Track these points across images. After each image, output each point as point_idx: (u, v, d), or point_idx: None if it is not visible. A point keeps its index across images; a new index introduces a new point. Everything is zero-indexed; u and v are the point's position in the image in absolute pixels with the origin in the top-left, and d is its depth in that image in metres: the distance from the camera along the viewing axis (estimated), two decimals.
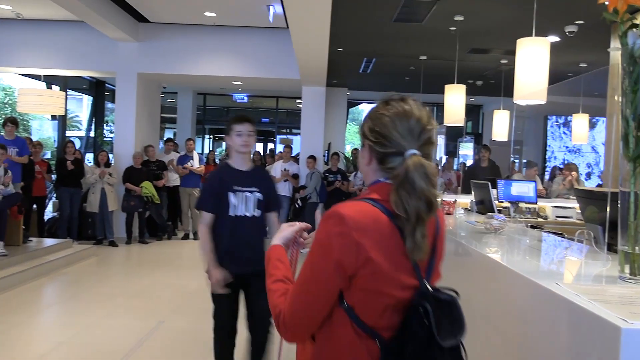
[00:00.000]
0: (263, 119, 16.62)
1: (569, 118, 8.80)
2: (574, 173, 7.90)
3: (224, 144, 16.12)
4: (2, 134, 7.54)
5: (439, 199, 1.28)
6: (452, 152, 15.09)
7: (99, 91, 12.49)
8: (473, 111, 14.92)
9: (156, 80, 10.16)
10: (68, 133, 14.05)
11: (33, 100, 8.27)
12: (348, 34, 7.88)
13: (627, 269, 1.65)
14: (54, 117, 12.87)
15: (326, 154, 12.12)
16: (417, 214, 1.23)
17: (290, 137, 16.28)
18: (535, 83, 4.23)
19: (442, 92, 6.99)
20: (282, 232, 1.53)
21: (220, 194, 2.95)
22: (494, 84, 10.82)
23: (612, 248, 2.22)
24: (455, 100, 6.84)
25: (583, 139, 8.56)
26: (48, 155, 13.06)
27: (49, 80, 10.96)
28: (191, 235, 9.74)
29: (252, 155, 9.51)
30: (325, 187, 9.01)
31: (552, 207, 6.22)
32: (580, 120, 8.29)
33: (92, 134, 12.84)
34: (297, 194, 9.33)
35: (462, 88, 6.86)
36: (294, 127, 16.01)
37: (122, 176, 8.80)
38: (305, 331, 1.31)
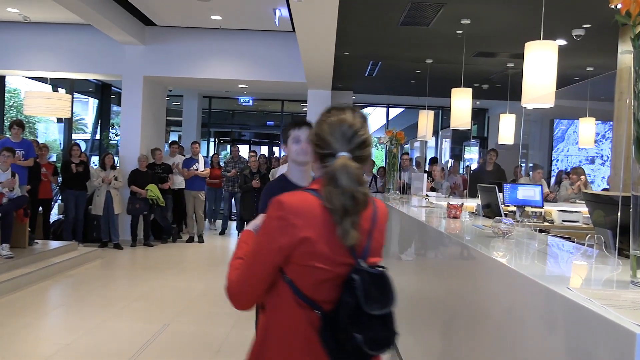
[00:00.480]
0: (268, 122, 16.64)
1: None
2: (582, 177, 7.87)
3: (228, 147, 16.13)
4: (8, 136, 7.57)
5: (364, 195, 1.46)
6: (457, 155, 15.05)
7: (105, 94, 12.53)
8: (479, 115, 14.89)
9: (162, 83, 10.19)
10: (74, 136, 14.10)
11: (39, 102, 8.30)
12: (354, 37, 7.87)
13: (639, 274, 1.63)
14: (59, 120, 12.90)
15: None
16: (342, 207, 1.42)
17: None
18: (544, 86, 4.22)
19: (448, 95, 6.98)
20: (256, 220, 1.74)
21: None
22: (500, 87, 10.80)
23: (622, 253, 2.20)
24: (461, 104, 6.82)
25: (590, 143, 8.52)
26: (54, 158, 13.10)
27: (55, 83, 11.00)
28: (196, 238, 9.75)
29: (257, 159, 9.56)
30: None
31: (558, 211, 6.19)
32: (587, 124, 8.26)
33: (97, 136, 12.87)
34: None
35: (468, 92, 6.84)
36: None
37: (127, 179, 8.82)
38: (247, 299, 1.54)
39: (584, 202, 6.16)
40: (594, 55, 8.15)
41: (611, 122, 6.30)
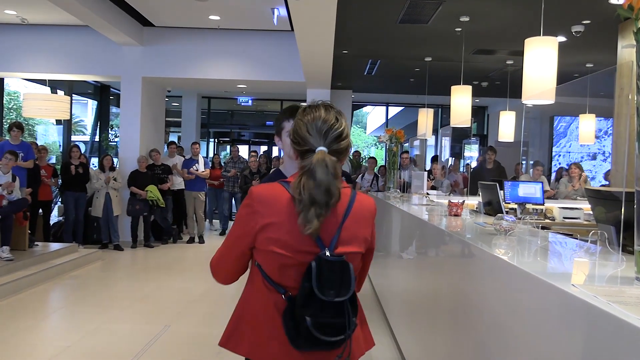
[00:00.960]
0: (268, 122, 16.61)
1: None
2: (583, 174, 7.87)
3: (228, 147, 16.11)
4: (7, 138, 7.56)
5: (338, 189, 1.53)
6: (457, 153, 15.04)
7: (104, 95, 12.51)
8: (478, 113, 14.88)
9: (161, 84, 10.17)
10: (73, 137, 14.11)
11: (38, 105, 8.29)
12: (353, 36, 7.86)
13: None
14: (59, 122, 12.89)
15: None
16: (311, 197, 1.50)
17: None
18: (544, 83, 4.20)
19: (448, 93, 6.97)
20: None
21: None
22: (500, 85, 10.79)
23: (626, 249, 2.19)
24: (461, 102, 6.81)
25: (590, 140, 8.51)
26: (53, 160, 13.09)
27: (54, 85, 10.98)
28: (196, 239, 9.74)
29: (258, 158, 9.54)
30: None
31: (560, 208, 6.18)
32: (587, 121, 8.24)
33: (97, 138, 12.86)
34: None
35: (468, 89, 6.83)
36: None
37: (127, 180, 8.81)
38: (225, 276, 1.76)
39: (584, 198, 6.15)
40: (594, 51, 8.14)
41: (612, 119, 6.28)
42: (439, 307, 3.10)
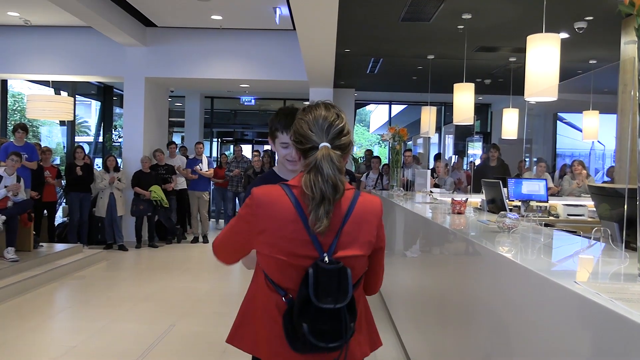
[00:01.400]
0: None
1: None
2: (584, 171, 7.85)
3: (231, 147, 16.13)
4: (12, 140, 7.58)
5: (343, 184, 1.55)
6: (461, 151, 15.01)
7: (107, 96, 12.54)
8: (481, 110, 14.84)
9: (164, 84, 10.19)
10: (77, 138, 14.11)
11: (42, 106, 8.31)
12: (355, 35, 7.86)
13: None
14: (62, 123, 12.92)
15: None
16: (321, 193, 1.51)
17: None
18: (547, 80, 4.19)
19: (451, 91, 6.95)
20: None
21: None
22: (503, 82, 10.76)
23: (629, 246, 2.18)
24: (464, 99, 6.80)
25: (593, 136, 8.48)
26: (57, 161, 13.12)
27: (58, 86, 11.01)
28: (200, 239, 9.76)
29: (261, 157, 9.55)
30: None
31: (564, 205, 6.16)
32: (590, 118, 8.22)
33: (100, 139, 12.89)
34: None
35: (470, 87, 6.81)
36: None
37: (130, 180, 8.83)
38: (225, 259, 1.77)
39: (588, 195, 6.14)
40: (597, 47, 8.11)
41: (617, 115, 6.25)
42: (442, 306, 3.10)
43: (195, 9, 7.94)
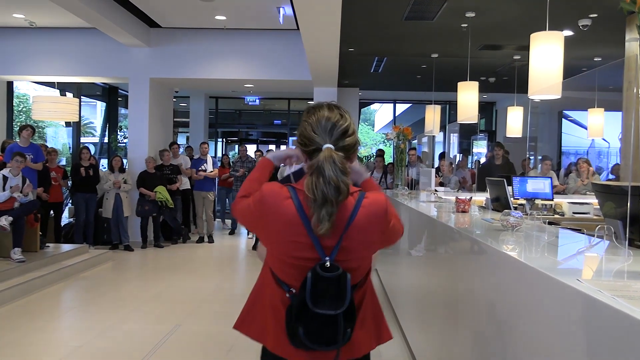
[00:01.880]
0: (275, 121, 16.63)
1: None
2: (590, 169, 7.83)
3: (236, 146, 16.16)
4: (17, 141, 7.62)
5: (347, 186, 1.53)
6: (465, 149, 14.98)
7: (112, 97, 12.58)
8: (486, 108, 14.81)
9: (168, 84, 10.22)
10: (83, 139, 14.19)
11: (47, 107, 8.35)
12: (358, 34, 7.85)
13: None
14: (68, 124, 12.98)
15: None
16: (323, 195, 1.50)
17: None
18: (550, 78, 4.18)
19: (455, 89, 6.94)
20: (277, 152, 1.87)
21: None
22: (507, 80, 10.73)
23: (633, 243, 2.18)
24: (468, 98, 6.78)
25: (599, 134, 8.45)
26: (63, 162, 13.19)
27: (63, 88, 11.06)
28: (206, 239, 9.78)
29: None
30: None
31: (569, 203, 6.14)
32: (595, 115, 8.19)
33: (106, 139, 12.94)
34: None
35: (474, 85, 6.80)
36: None
37: (136, 181, 8.86)
38: (241, 223, 1.81)
39: (593, 193, 6.11)
40: (601, 45, 8.08)
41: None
42: (446, 304, 3.10)
43: (199, 9, 7.96)
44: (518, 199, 5.62)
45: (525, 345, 1.88)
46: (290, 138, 15.61)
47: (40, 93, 11.14)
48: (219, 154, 15.43)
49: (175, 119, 11.52)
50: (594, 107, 8.14)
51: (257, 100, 14.83)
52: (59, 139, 16.74)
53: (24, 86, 14.77)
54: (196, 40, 9.26)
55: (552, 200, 5.88)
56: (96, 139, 15.15)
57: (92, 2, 6.89)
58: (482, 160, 12.69)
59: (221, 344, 4.45)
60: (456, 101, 6.99)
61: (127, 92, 9.74)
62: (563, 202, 6.28)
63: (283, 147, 15.99)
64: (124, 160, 9.48)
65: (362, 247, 1.61)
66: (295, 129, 16.42)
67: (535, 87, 4.29)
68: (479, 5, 6.39)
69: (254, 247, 9.01)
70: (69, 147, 13.61)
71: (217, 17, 8.40)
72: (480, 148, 14.80)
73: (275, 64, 9.30)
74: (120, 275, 7.27)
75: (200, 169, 9.75)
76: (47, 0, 6.53)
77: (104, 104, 13.02)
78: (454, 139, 15.32)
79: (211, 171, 9.85)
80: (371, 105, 17.76)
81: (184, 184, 9.74)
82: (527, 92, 4.51)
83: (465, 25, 7.00)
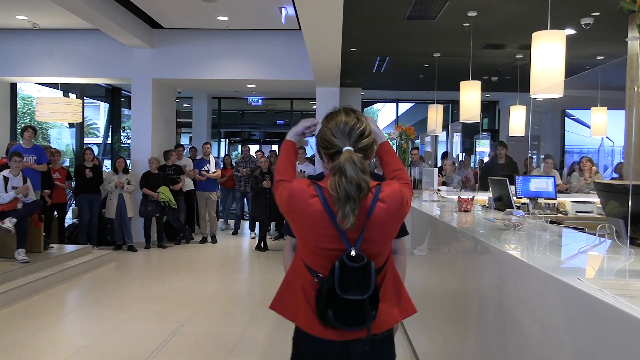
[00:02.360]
0: (278, 121, 16.65)
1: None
2: (593, 167, 7.81)
3: (239, 147, 16.18)
4: (20, 142, 7.64)
5: (367, 183, 1.66)
6: (468, 149, 14.96)
7: (115, 98, 12.62)
8: (489, 107, 14.79)
9: (171, 85, 10.24)
10: (86, 140, 14.20)
11: (51, 108, 8.38)
12: (360, 34, 7.86)
13: None
14: (71, 125, 13.01)
15: None
16: (346, 193, 1.63)
17: (305, 138, 16.27)
18: (552, 76, 4.18)
19: (457, 89, 6.94)
20: (294, 128, 1.98)
21: None
22: (510, 79, 10.72)
23: (635, 242, 2.18)
24: (470, 97, 6.78)
25: (602, 133, 8.43)
26: (67, 163, 13.21)
27: (66, 89, 11.09)
28: (209, 239, 9.79)
29: (268, 157, 9.57)
30: None
31: (572, 202, 6.14)
32: (598, 114, 8.17)
33: (109, 140, 12.97)
34: None
35: (477, 84, 6.80)
36: None
37: (139, 181, 8.88)
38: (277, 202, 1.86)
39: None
40: (604, 43, 8.06)
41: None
42: (449, 303, 3.10)
43: (201, 10, 7.98)
44: (521, 198, 5.62)
45: (527, 344, 1.89)
46: None
47: (44, 94, 11.18)
48: (222, 154, 15.45)
49: (178, 120, 11.55)
50: (597, 106, 8.13)
51: (260, 101, 14.86)
52: (62, 140, 16.77)
53: (27, 88, 14.80)
54: (198, 41, 9.28)
55: (555, 199, 5.88)
56: (99, 140, 15.19)
57: (94, 3, 6.91)
58: (485, 159, 12.69)
59: (224, 344, 4.46)
60: (459, 100, 6.99)
61: (130, 93, 9.76)
62: (566, 201, 6.27)
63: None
64: (128, 161, 9.50)
65: (383, 235, 1.75)
66: None
67: (537, 86, 4.29)
68: (480, 5, 6.38)
69: (257, 247, 9.03)
70: (73, 148, 13.64)
71: (219, 18, 8.42)
72: (483, 147, 14.79)
73: (277, 64, 9.32)
74: (123, 275, 7.29)
75: (203, 169, 9.77)
76: (50, 2, 6.55)
77: (107, 105, 13.06)
78: (457, 138, 15.31)
79: (214, 172, 9.86)
80: (374, 105, 17.73)
81: (188, 184, 9.76)
82: (529, 91, 4.51)
83: (467, 24, 7.00)
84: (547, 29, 4.41)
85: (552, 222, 3.28)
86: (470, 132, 14.87)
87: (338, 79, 9.56)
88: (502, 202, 4.33)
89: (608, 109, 8.10)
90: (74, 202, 9.50)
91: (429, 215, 4.01)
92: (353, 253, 1.66)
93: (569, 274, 1.64)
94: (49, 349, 4.37)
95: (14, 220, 6.14)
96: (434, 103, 10.00)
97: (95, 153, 9.21)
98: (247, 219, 11.66)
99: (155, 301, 5.84)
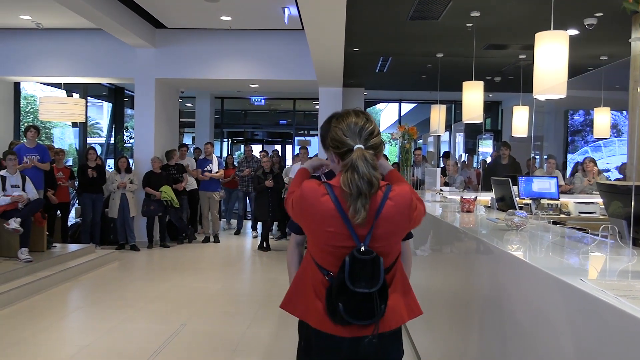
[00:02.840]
0: (281, 121, 16.64)
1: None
2: (596, 168, 7.80)
3: (242, 146, 16.19)
4: (23, 142, 7.66)
5: (378, 180, 1.74)
6: (471, 149, 14.95)
7: (118, 98, 12.63)
8: (492, 108, 14.77)
9: (174, 85, 10.25)
10: (89, 140, 14.25)
11: (54, 108, 8.39)
12: (363, 34, 7.85)
13: None
14: (75, 125, 13.04)
15: None
16: (358, 189, 1.71)
17: (308, 138, 16.29)
18: (555, 77, 4.17)
19: (460, 89, 6.93)
20: (312, 161, 2.19)
21: None
22: (513, 79, 10.70)
23: (637, 243, 2.18)
24: (473, 97, 6.77)
25: (605, 133, 8.42)
26: (70, 162, 13.24)
27: (69, 88, 11.12)
28: (212, 239, 9.80)
29: (270, 157, 9.58)
30: None
31: (575, 202, 6.12)
32: (602, 115, 8.15)
33: (112, 140, 12.99)
34: None
35: (480, 85, 6.79)
36: (311, 129, 16.03)
37: (141, 181, 8.89)
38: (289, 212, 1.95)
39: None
40: (608, 44, 8.04)
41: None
42: (451, 304, 3.10)
43: (204, 10, 7.99)
44: (524, 198, 5.61)
45: (529, 344, 1.89)
46: (295, 138, 15.64)
47: (47, 94, 11.20)
48: (225, 154, 15.46)
49: (181, 119, 11.55)
50: (600, 107, 8.11)
51: (263, 101, 14.86)
52: (65, 139, 16.82)
53: (31, 87, 14.85)
54: (201, 41, 9.29)
55: (558, 199, 5.87)
56: (102, 140, 15.22)
57: (98, 3, 6.92)
58: (488, 159, 12.67)
59: (226, 344, 4.47)
60: (461, 101, 6.98)
61: (133, 92, 9.78)
62: (569, 201, 6.26)
63: (288, 148, 16.02)
64: (130, 161, 9.52)
65: (391, 234, 1.82)
66: (301, 129, 16.53)
67: (540, 87, 4.28)
68: (483, 5, 6.37)
69: (260, 247, 9.03)
70: (76, 148, 13.67)
71: (222, 18, 8.42)
72: (486, 147, 14.77)
73: (280, 64, 9.32)
74: (126, 275, 7.30)
75: (205, 169, 9.78)
76: (54, 1, 6.57)
77: (110, 104, 13.08)
78: (460, 138, 15.29)
79: (216, 172, 9.87)
80: (376, 105, 17.72)
81: (191, 184, 9.77)
82: (532, 92, 4.50)
83: (471, 24, 6.99)
84: (550, 29, 4.40)
85: (554, 223, 3.27)
86: (473, 133, 14.85)
87: (341, 79, 9.55)
88: (505, 203, 4.33)
89: (611, 110, 8.09)
90: (77, 201, 9.52)
91: (431, 216, 4.00)
92: (363, 248, 1.73)
93: (571, 275, 1.64)
94: (51, 348, 4.38)
95: (19, 220, 6.17)
96: (436, 103, 9.98)
97: (99, 153, 9.22)
98: (249, 219, 11.67)
99: (158, 301, 5.85)
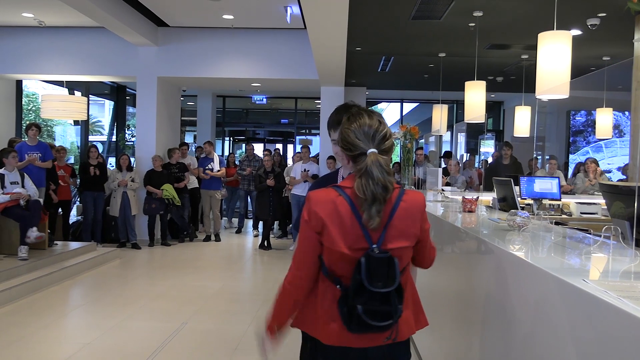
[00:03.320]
0: (282, 120, 16.65)
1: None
2: (598, 169, 7.79)
3: (243, 145, 16.20)
4: (25, 140, 7.67)
5: (392, 184, 1.73)
6: (473, 149, 14.93)
7: (120, 96, 12.63)
8: (494, 108, 14.75)
9: (176, 83, 10.25)
10: (91, 138, 14.26)
11: (56, 106, 8.39)
12: (366, 33, 7.84)
13: None
14: (76, 123, 13.05)
15: None
16: (373, 195, 1.69)
17: (309, 137, 16.28)
18: (558, 77, 4.16)
19: (462, 89, 6.92)
20: None
21: None
22: (515, 79, 10.68)
23: None
24: (475, 97, 6.76)
25: (607, 134, 8.41)
26: (72, 160, 13.25)
27: (71, 86, 11.12)
28: (213, 237, 9.81)
29: (272, 157, 9.58)
30: None
31: (577, 203, 6.12)
32: (604, 115, 8.14)
33: (114, 138, 13.00)
34: None
35: (482, 85, 6.78)
36: (313, 128, 16.02)
37: (143, 179, 8.90)
38: (305, 283, 1.83)
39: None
40: (610, 44, 8.03)
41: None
42: (453, 304, 3.10)
43: (206, 8, 7.98)
44: (526, 198, 5.61)
45: (531, 345, 1.88)
46: (297, 137, 15.64)
47: (49, 92, 11.19)
48: (226, 153, 15.47)
49: (182, 118, 11.55)
50: (602, 107, 8.10)
51: (265, 99, 14.86)
52: (67, 137, 16.81)
53: (33, 85, 14.85)
54: (204, 39, 9.28)
55: (560, 200, 5.86)
56: (104, 138, 15.22)
57: (100, 1, 6.92)
58: (489, 160, 12.66)
59: (228, 342, 4.47)
60: (463, 100, 6.97)
61: (135, 91, 9.78)
62: (571, 202, 6.25)
63: (290, 147, 16.01)
64: (132, 159, 9.52)
65: (404, 236, 1.80)
66: (302, 128, 16.53)
67: (543, 87, 4.28)
68: (486, 5, 6.36)
69: (261, 246, 9.04)
70: (77, 146, 13.68)
71: (225, 16, 8.42)
72: (488, 147, 14.76)
73: (282, 63, 9.32)
74: (127, 273, 7.31)
75: (207, 168, 9.78)
76: None
77: (112, 102, 13.08)
78: (461, 138, 15.28)
79: (218, 170, 9.87)
80: (378, 105, 17.69)
81: (192, 182, 9.78)
82: (534, 92, 4.49)
83: (473, 24, 6.98)
84: (553, 29, 4.39)
85: (556, 223, 3.27)
86: (474, 133, 14.84)
87: (343, 78, 9.55)
88: (507, 203, 4.32)
89: (613, 110, 8.08)
90: (78, 199, 9.53)
91: (433, 216, 4.00)
92: (377, 250, 1.72)
93: (573, 275, 1.63)
94: (52, 345, 4.39)
95: (35, 228, 6.23)
96: (438, 103, 9.98)
97: (100, 151, 9.24)
98: (250, 218, 11.67)
99: (159, 299, 5.86)
